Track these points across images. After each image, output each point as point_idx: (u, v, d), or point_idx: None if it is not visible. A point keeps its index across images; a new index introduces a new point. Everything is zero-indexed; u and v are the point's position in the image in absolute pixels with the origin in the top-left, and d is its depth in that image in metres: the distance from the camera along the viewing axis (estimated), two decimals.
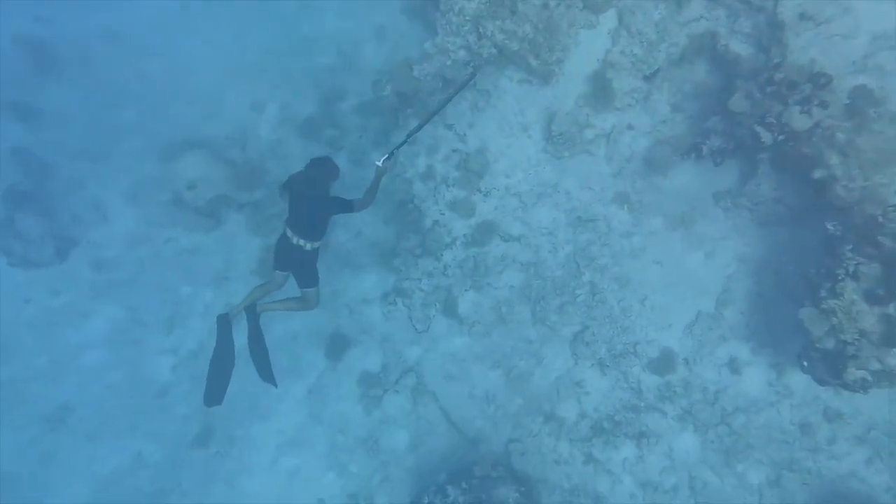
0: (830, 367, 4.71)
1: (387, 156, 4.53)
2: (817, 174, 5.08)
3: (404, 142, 4.67)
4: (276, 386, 5.13)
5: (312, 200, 4.52)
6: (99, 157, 7.69)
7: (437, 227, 6.66)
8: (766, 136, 5.27)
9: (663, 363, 5.76)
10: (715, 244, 5.92)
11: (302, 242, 4.59)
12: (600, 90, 6.31)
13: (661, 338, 5.86)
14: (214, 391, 4.97)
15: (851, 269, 4.68)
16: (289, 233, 4.61)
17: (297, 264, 4.75)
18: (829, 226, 4.93)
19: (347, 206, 4.56)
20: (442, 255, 6.61)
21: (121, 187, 7.56)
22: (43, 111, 7.91)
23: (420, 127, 4.87)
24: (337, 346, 6.57)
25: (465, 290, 6.50)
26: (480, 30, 6.16)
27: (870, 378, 4.60)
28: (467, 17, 6.23)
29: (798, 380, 5.24)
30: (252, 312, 4.98)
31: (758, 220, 5.79)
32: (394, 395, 6.29)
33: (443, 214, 6.68)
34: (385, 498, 5.87)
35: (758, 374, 5.43)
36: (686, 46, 6.04)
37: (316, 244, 4.67)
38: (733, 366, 5.54)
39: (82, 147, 7.77)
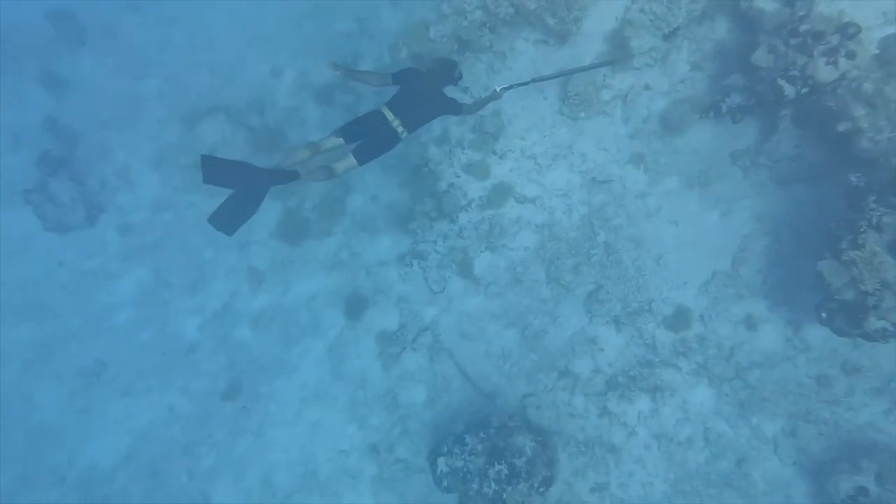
0: (850, 317, 4.70)
1: (507, 86, 5.14)
2: (842, 127, 5.00)
3: (528, 82, 5.26)
4: (229, 235, 4.61)
5: (427, 92, 4.68)
6: (125, 124, 7.91)
7: (452, 190, 6.72)
8: (790, 90, 5.19)
9: (678, 320, 5.80)
10: (731, 203, 5.88)
11: (400, 128, 4.63)
12: (618, 50, 6.24)
13: (676, 296, 5.89)
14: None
15: (875, 221, 4.63)
16: (387, 113, 4.59)
17: (375, 139, 4.62)
18: (852, 178, 4.87)
19: (457, 107, 4.83)
20: (457, 217, 6.68)
21: (146, 154, 7.79)
22: (71, 81, 8.14)
23: (549, 77, 5.45)
24: (355, 306, 6.75)
25: (481, 252, 6.58)
26: None
27: (891, 328, 4.59)
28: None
29: (815, 334, 5.24)
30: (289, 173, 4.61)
31: (776, 179, 5.73)
32: (411, 353, 6.45)
33: (458, 177, 6.74)
34: (405, 448, 6.08)
35: (774, 330, 5.44)
36: (707, 3, 5.92)
37: (407, 133, 4.71)
38: (749, 322, 5.55)
39: (109, 115, 8.00)
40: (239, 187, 4.53)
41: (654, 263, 6.03)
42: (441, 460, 5.37)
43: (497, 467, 5.10)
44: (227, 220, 4.55)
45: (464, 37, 6.47)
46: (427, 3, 6.65)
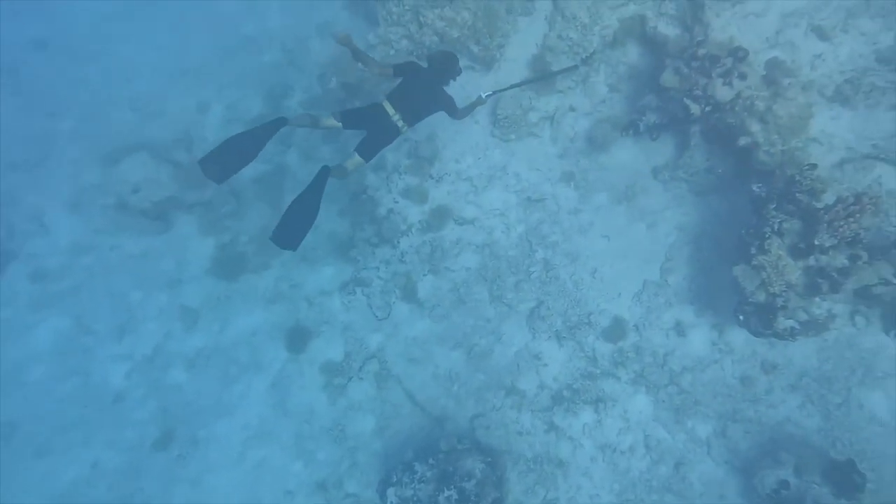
0: (763, 319, 5.04)
1: (491, 93, 5.31)
2: (742, 141, 5.45)
3: (509, 87, 5.47)
4: (294, 250, 4.53)
5: (428, 87, 4.66)
6: (37, 166, 7.41)
7: (391, 216, 6.74)
8: (695, 108, 5.60)
9: (615, 331, 6.02)
10: (656, 215, 6.23)
11: (400, 122, 4.65)
12: (542, 74, 6.55)
13: (612, 307, 6.12)
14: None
15: (776, 227, 5.03)
16: (388, 107, 4.63)
17: (376, 133, 4.69)
18: (754, 188, 5.29)
19: (452, 107, 4.87)
20: (398, 242, 6.69)
21: (61, 196, 7.29)
22: None
23: (527, 82, 5.65)
24: (298, 338, 6.54)
25: (424, 275, 6.60)
26: (421, 19, 6.30)
27: (797, 326, 4.96)
28: (407, 7, 6.36)
29: (737, 337, 5.58)
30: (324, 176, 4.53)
31: (693, 190, 6.14)
32: (358, 383, 6.31)
33: (397, 202, 6.77)
34: (354, 482, 5.87)
35: (701, 335, 5.74)
36: (618, 29, 6.34)
37: (407, 128, 4.73)
38: (679, 329, 5.84)
39: (18, 157, 7.47)
40: (244, 159, 4.56)
41: (590, 277, 6.26)
42: (390, 491, 5.23)
43: (447, 493, 5.02)
44: (288, 233, 4.48)
45: (393, 63, 6.57)
46: (355, 35, 6.71)
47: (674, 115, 5.91)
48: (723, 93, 5.39)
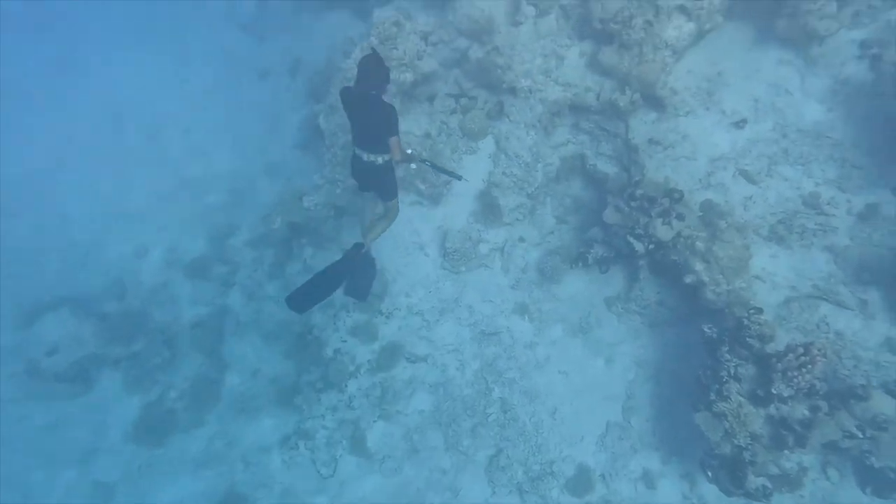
0: (731, 475, 4.67)
1: (422, 161, 4.98)
2: (688, 279, 5.39)
3: (424, 161, 5.07)
4: (300, 314, 5.01)
5: (370, 108, 4.30)
6: None
7: (339, 356, 6.36)
8: (639, 246, 5.62)
9: (581, 482, 5.53)
10: (613, 349, 6.01)
11: (372, 158, 4.49)
12: (488, 207, 6.61)
13: (576, 453, 5.68)
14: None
15: (732, 371, 4.83)
16: (358, 151, 4.54)
17: (374, 181, 4.72)
18: (706, 329, 5.14)
19: (395, 125, 4.35)
20: (346, 385, 6.25)
21: None
22: None
23: (438, 168, 5.20)
24: None
25: (374, 421, 6.10)
26: None
27: (769, 485, 4.60)
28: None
29: (710, 489, 5.13)
30: (358, 250, 4.87)
31: (648, 323, 6.00)
32: None
33: (344, 342, 6.42)
34: None
35: (671, 486, 5.30)
36: (560, 166, 6.53)
37: (386, 157, 4.52)
38: (647, 479, 5.39)
39: None
40: (330, 289, 4.84)
41: (551, 418, 5.87)
42: None
43: None
44: (303, 299, 4.76)
45: (338, 203, 6.57)
46: (304, 175, 6.78)
47: (619, 250, 5.92)
48: (663, 232, 5.42)
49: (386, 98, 4.42)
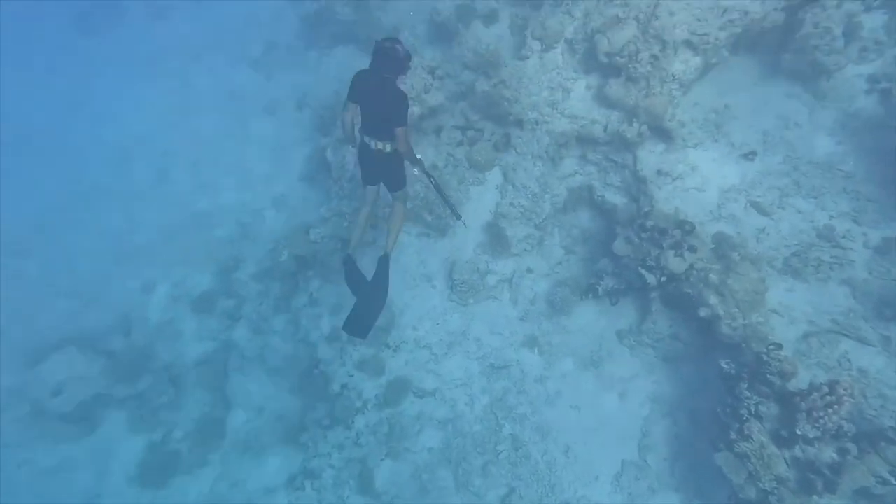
0: None
1: (427, 172, 4.85)
2: (702, 313, 5.26)
3: (430, 177, 4.93)
4: (363, 338, 4.96)
5: (383, 92, 4.11)
6: None
7: (345, 392, 6.22)
8: (651, 278, 5.51)
9: None
10: (626, 384, 5.85)
11: (381, 146, 4.34)
12: (496, 238, 6.56)
13: (591, 493, 5.47)
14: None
15: (753, 409, 4.67)
16: (367, 140, 4.39)
17: (383, 171, 4.59)
18: (723, 364, 5.00)
19: (405, 114, 4.14)
20: (353, 421, 6.10)
21: None
22: None
23: (434, 184, 5.02)
24: None
25: (381, 460, 5.93)
26: None
27: None
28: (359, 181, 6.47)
29: None
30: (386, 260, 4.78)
31: (661, 357, 5.85)
32: None
33: (351, 376, 6.30)
34: None
35: None
36: (567, 197, 6.50)
37: (388, 145, 4.36)
38: None
39: None
40: (379, 306, 4.79)
41: (564, 456, 5.68)
42: None
43: None
44: (360, 324, 4.68)
45: (345, 236, 6.52)
46: (310, 207, 6.77)
47: (631, 282, 5.82)
48: (676, 264, 5.33)
49: (401, 85, 4.28)
